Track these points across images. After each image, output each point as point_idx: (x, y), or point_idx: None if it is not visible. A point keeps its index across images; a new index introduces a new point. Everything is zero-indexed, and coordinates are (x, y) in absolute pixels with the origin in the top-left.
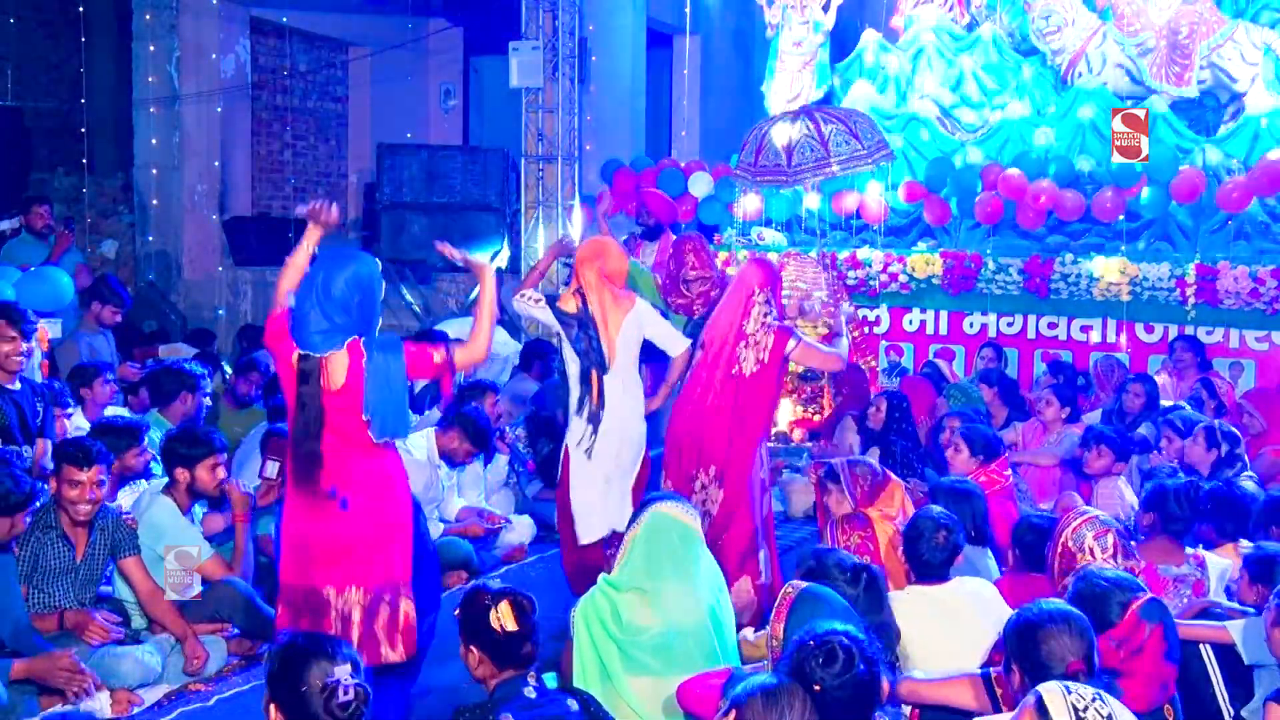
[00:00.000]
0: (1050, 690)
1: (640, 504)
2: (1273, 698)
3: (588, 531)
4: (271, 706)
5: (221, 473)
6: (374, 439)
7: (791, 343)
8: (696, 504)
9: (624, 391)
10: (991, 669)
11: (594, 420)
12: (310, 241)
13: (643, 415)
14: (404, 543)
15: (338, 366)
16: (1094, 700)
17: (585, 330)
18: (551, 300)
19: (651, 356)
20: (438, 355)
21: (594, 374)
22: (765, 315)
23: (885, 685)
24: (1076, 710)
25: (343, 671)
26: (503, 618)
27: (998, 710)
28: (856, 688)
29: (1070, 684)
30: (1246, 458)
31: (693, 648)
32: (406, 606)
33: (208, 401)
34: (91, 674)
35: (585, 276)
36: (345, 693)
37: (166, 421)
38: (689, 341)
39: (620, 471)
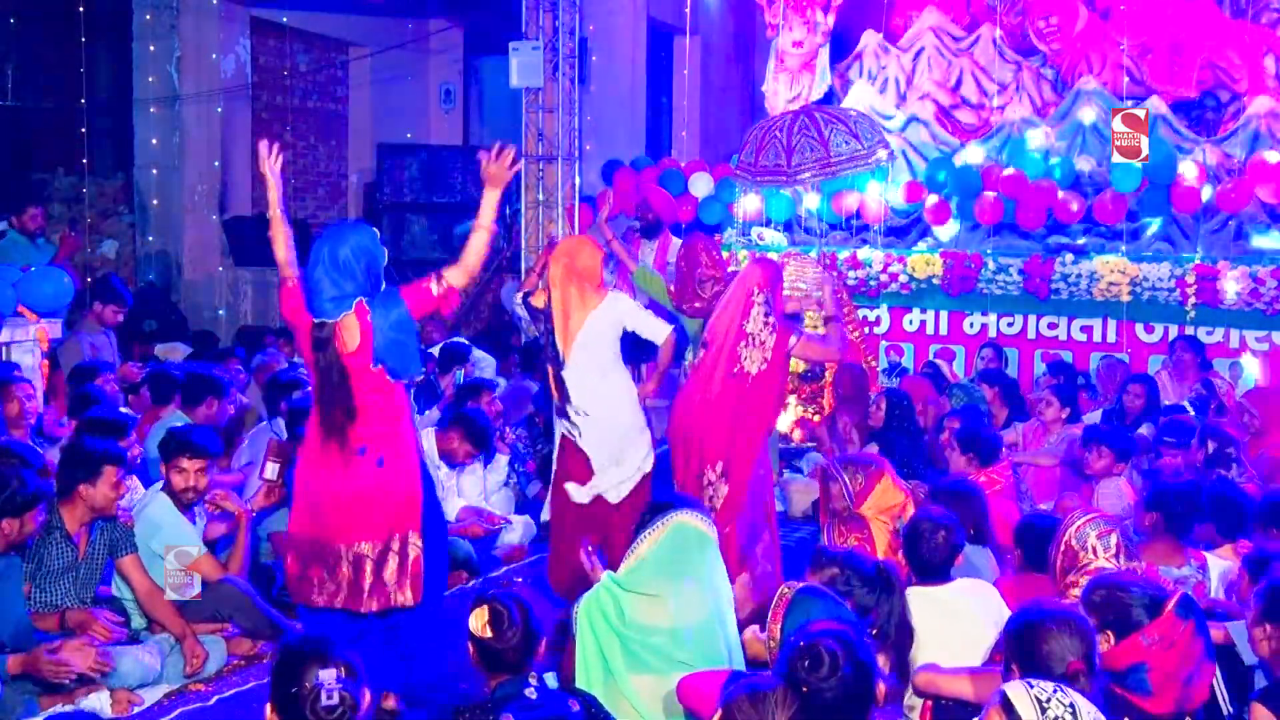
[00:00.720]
0: (1014, 687)
1: (653, 508)
2: (1256, 697)
3: (577, 492)
4: (268, 706)
5: (198, 479)
6: (390, 379)
7: (793, 339)
8: (704, 499)
9: (595, 386)
10: None
11: (561, 413)
12: (273, 194)
13: (627, 403)
14: (414, 491)
15: (350, 328)
16: (1055, 692)
17: (547, 325)
18: (526, 296)
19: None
20: (435, 286)
21: (549, 369)
22: (765, 315)
23: (881, 688)
24: (1040, 703)
25: (328, 676)
26: (478, 623)
27: None
28: (845, 690)
29: (1032, 679)
30: (1246, 457)
31: (696, 648)
32: (415, 551)
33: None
34: (69, 661)
35: (552, 272)
36: (329, 696)
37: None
38: (671, 328)
39: (616, 456)
